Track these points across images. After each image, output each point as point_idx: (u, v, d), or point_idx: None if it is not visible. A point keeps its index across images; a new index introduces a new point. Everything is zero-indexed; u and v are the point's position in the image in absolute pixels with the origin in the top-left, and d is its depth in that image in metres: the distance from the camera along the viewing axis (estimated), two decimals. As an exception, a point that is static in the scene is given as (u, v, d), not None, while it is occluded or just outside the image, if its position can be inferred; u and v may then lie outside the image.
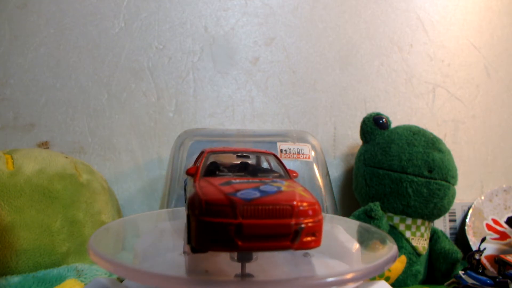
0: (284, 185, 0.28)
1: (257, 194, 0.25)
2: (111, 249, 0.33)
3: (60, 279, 0.43)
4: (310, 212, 0.25)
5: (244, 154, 0.37)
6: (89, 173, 0.54)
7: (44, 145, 0.67)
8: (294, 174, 0.34)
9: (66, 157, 0.53)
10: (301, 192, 0.27)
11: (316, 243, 0.26)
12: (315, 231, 0.25)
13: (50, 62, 0.67)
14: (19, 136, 0.66)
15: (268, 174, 0.33)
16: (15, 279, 0.42)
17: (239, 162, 0.36)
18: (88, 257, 0.47)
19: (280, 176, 0.33)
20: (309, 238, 0.25)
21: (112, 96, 0.69)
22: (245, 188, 0.26)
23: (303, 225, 0.25)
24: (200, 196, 0.25)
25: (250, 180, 0.29)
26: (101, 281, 0.31)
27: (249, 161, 0.36)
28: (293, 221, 0.25)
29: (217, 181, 0.29)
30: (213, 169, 0.33)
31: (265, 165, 0.37)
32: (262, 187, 0.27)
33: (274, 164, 0.35)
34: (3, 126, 0.66)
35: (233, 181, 0.29)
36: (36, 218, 0.46)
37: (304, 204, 0.25)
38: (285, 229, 0.25)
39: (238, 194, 0.25)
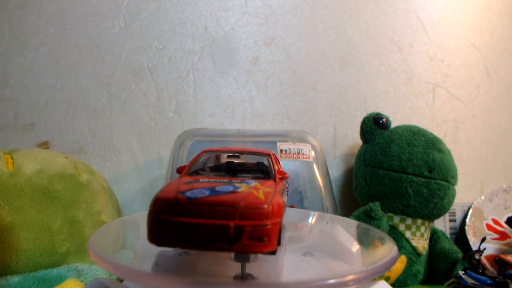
0: (250, 185, 0.28)
1: (206, 193, 0.25)
2: (111, 249, 0.33)
3: (60, 279, 0.43)
4: (258, 215, 0.24)
5: (235, 154, 0.37)
6: (89, 173, 0.54)
7: (44, 145, 0.67)
8: (284, 176, 0.32)
9: (66, 157, 0.53)
10: (259, 194, 0.26)
11: (264, 248, 0.24)
12: (262, 235, 0.24)
13: (50, 62, 0.67)
14: (19, 136, 0.66)
15: (249, 174, 0.33)
16: (15, 279, 0.42)
17: (227, 162, 0.36)
18: (88, 257, 0.47)
19: (262, 177, 0.32)
20: (253, 242, 0.24)
21: (112, 96, 0.69)
22: (199, 187, 0.27)
23: (244, 228, 0.24)
24: (157, 193, 0.26)
25: (219, 180, 0.29)
26: (101, 281, 0.31)
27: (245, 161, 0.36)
28: (231, 223, 0.24)
29: (188, 179, 0.29)
30: (198, 169, 0.33)
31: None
32: (219, 187, 0.27)
33: (267, 164, 0.35)
34: (3, 126, 0.66)
35: (201, 180, 0.29)
36: (36, 218, 0.46)
37: (251, 206, 0.24)
38: (222, 230, 0.24)
39: (187, 192, 0.25)
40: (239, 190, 0.27)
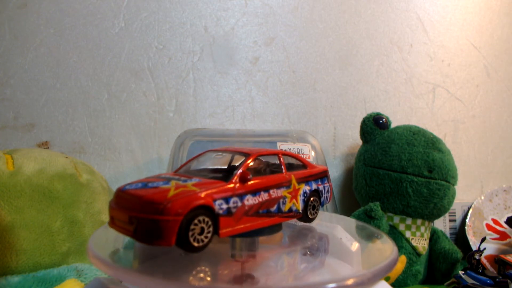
0: (181, 183, 0.28)
1: (138, 186, 0.29)
2: (110, 250, 0.33)
3: (60, 279, 0.43)
4: (152, 210, 0.25)
5: (218, 155, 0.37)
6: (89, 173, 0.54)
7: (44, 145, 0.67)
8: (248, 177, 0.31)
9: (66, 157, 0.53)
10: (172, 191, 0.27)
11: (157, 242, 0.25)
12: (153, 230, 0.25)
13: (50, 62, 0.67)
14: (19, 136, 0.66)
15: (209, 174, 0.33)
16: (15, 279, 0.42)
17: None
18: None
19: (220, 177, 0.31)
20: (147, 235, 0.25)
21: (112, 96, 0.69)
22: (141, 182, 0.29)
23: (137, 220, 0.26)
24: None
25: (174, 177, 0.31)
26: (101, 281, 0.31)
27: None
28: (129, 213, 0.26)
29: (158, 175, 0.32)
30: (187, 168, 0.35)
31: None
32: (152, 182, 0.29)
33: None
34: (3, 126, 0.66)
35: (162, 176, 0.32)
36: (36, 218, 0.46)
37: (149, 201, 0.26)
38: (125, 219, 0.27)
39: (127, 185, 0.29)
40: (163, 186, 0.28)
